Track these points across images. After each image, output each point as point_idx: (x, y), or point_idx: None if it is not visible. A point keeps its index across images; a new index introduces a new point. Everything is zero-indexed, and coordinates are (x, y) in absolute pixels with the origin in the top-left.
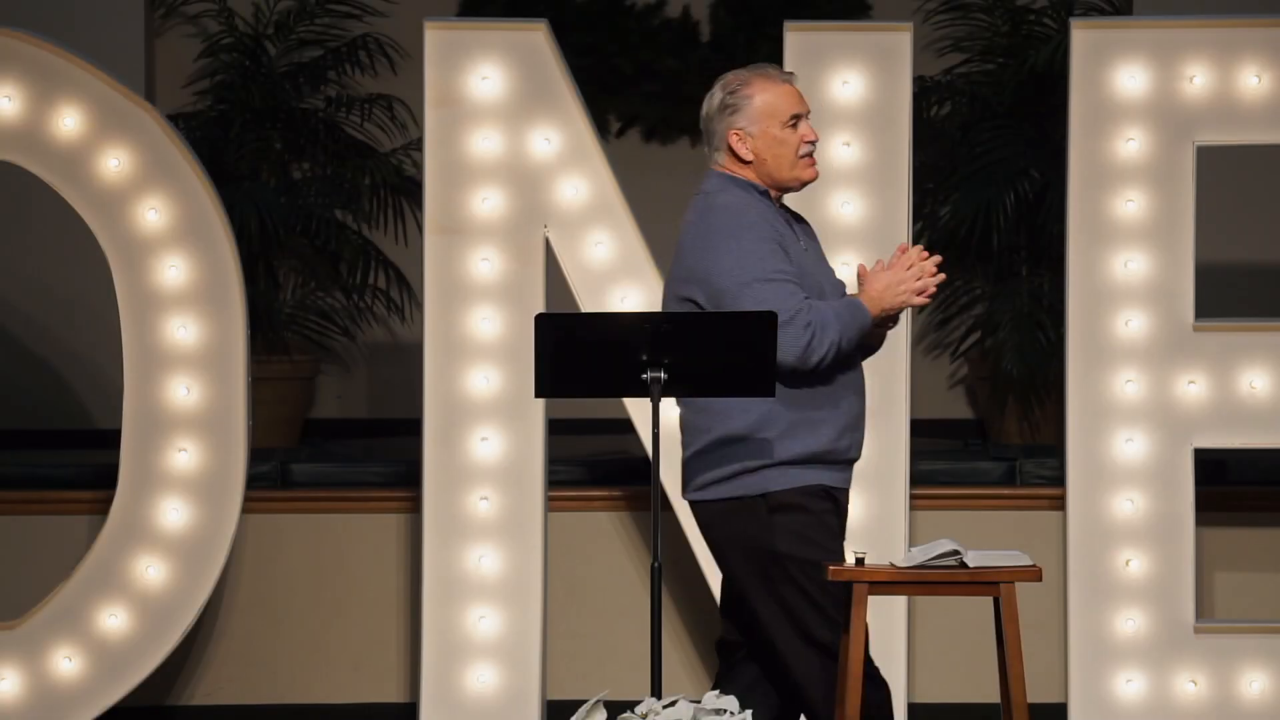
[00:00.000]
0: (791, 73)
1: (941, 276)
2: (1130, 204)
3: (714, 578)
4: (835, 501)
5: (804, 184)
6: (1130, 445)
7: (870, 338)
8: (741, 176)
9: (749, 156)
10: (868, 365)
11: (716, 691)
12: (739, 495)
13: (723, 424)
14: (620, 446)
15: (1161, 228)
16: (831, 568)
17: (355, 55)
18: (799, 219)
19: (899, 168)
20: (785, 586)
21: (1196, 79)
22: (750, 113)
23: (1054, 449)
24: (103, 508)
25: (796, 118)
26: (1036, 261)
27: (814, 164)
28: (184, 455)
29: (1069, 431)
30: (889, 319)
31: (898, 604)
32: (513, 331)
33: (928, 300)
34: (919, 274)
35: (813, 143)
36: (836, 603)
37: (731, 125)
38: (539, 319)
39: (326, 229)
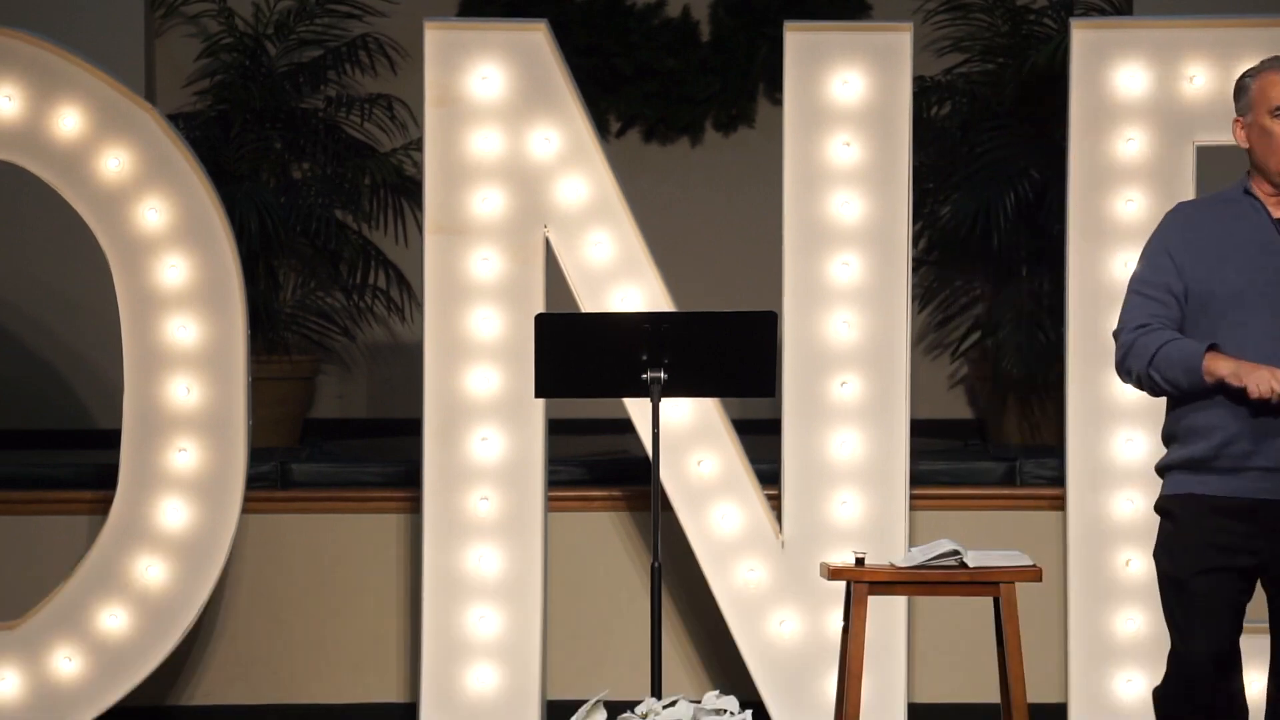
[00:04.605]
0: None
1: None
2: (1130, 204)
3: (714, 577)
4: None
5: None
6: (1130, 445)
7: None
8: (1251, 170)
9: (1244, 145)
10: (867, 363)
11: (716, 692)
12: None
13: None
14: (620, 446)
15: None
16: (832, 567)
17: (355, 55)
18: None
19: (899, 168)
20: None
21: (1196, 79)
22: (1245, 100)
23: (1054, 449)
24: (103, 508)
25: None
26: (1036, 261)
27: None
28: (184, 455)
29: (1069, 431)
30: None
31: (898, 604)
32: (513, 331)
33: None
34: (1272, 386)
35: None
36: (1185, 611)
37: (1236, 112)
38: (539, 319)
39: (326, 229)
